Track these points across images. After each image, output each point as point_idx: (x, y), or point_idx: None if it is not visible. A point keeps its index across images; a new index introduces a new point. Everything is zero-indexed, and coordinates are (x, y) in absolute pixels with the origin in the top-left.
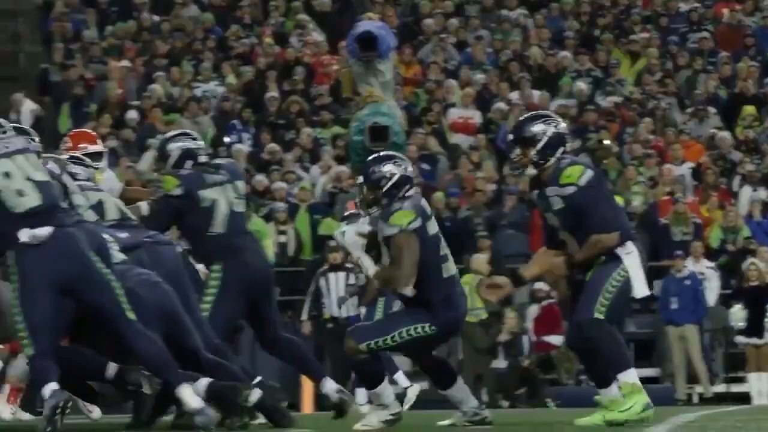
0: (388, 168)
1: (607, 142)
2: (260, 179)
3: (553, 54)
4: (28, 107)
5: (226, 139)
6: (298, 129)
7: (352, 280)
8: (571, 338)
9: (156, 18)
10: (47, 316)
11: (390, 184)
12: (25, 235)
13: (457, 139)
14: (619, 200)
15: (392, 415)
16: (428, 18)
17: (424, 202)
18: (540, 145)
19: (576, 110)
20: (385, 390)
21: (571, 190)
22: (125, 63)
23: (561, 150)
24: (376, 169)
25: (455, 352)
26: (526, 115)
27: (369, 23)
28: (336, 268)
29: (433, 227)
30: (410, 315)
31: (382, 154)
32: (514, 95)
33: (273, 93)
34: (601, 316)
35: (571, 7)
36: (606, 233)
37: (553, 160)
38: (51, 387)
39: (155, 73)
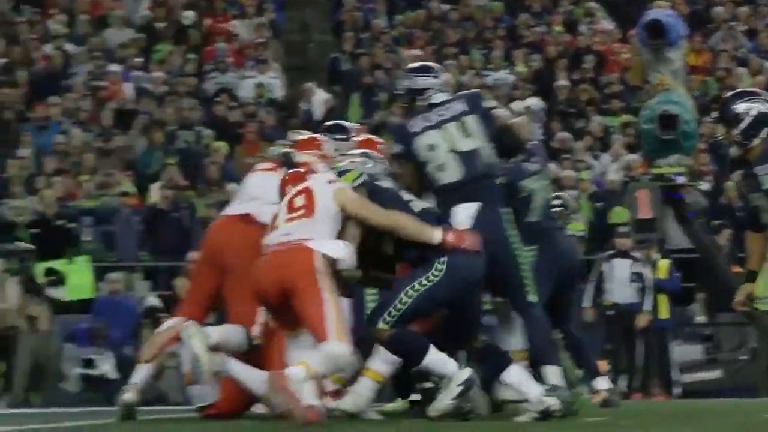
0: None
1: None
2: (551, 167)
3: None
4: (320, 97)
5: None
6: (588, 117)
7: (636, 268)
8: None
9: (445, 7)
10: None
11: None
12: None
13: None
14: None
15: (461, 384)
16: (718, 6)
17: None
18: (744, 125)
19: None
20: (437, 360)
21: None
22: (416, 51)
23: (766, 130)
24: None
25: (747, 341)
26: (731, 93)
27: (658, 11)
28: (622, 254)
29: None
30: (409, 275)
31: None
32: None
33: (562, 81)
34: None
35: None
36: None
37: (757, 140)
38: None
39: (445, 61)
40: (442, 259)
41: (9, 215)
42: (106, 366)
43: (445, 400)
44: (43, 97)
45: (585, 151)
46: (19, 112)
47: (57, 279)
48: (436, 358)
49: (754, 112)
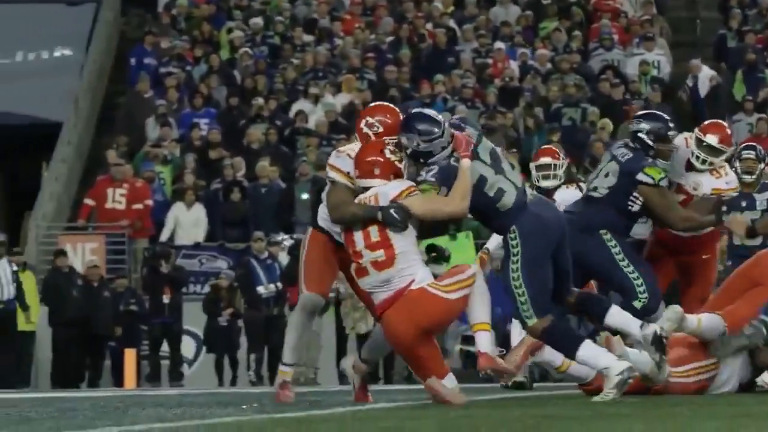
0: None
1: None
2: None
3: None
4: (705, 74)
5: None
6: None
7: None
8: None
9: None
10: None
11: None
12: None
13: None
14: None
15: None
16: None
17: None
18: None
19: None
20: (592, 354)
21: None
22: None
23: None
24: None
25: None
26: None
27: None
28: None
29: None
30: (503, 268)
31: None
32: None
33: None
34: None
35: None
36: None
37: None
38: None
39: None
40: (512, 228)
41: None
42: None
43: (606, 393)
44: (428, 74)
45: None
46: (405, 89)
47: (439, 256)
48: (590, 352)
49: None
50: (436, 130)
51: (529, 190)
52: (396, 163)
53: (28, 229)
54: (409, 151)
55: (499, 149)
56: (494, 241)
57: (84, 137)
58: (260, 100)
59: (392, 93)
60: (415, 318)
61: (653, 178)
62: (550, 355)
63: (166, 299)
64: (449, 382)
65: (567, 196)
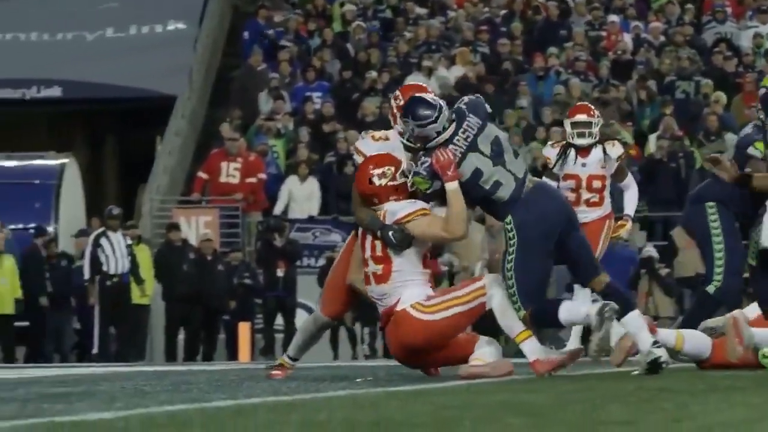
0: None
1: None
2: None
3: None
4: None
5: None
6: None
7: None
8: None
9: None
10: None
11: None
12: None
13: None
14: None
15: (598, 314)
16: None
17: None
18: None
19: None
20: (570, 310)
21: None
22: None
23: None
24: None
25: None
26: None
27: None
28: None
29: None
30: (502, 257)
31: None
32: None
33: None
34: None
35: None
36: None
37: None
38: None
39: None
40: (507, 219)
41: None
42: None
43: (594, 337)
44: (542, 47)
45: None
46: (518, 62)
47: None
48: (568, 309)
49: None
50: (428, 114)
51: (530, 177)
52: (388, 184)
53: (142, 203)
54: (406, 138)
55: (505, 136)
56: None
57: (198, 110)
58: (373, 74)
59: (505, 66)
60: (399, 339)
61: (761, 152)
62: (664, 336)
63: (280, 273)
64: (488, 354)
65: (601, 155)
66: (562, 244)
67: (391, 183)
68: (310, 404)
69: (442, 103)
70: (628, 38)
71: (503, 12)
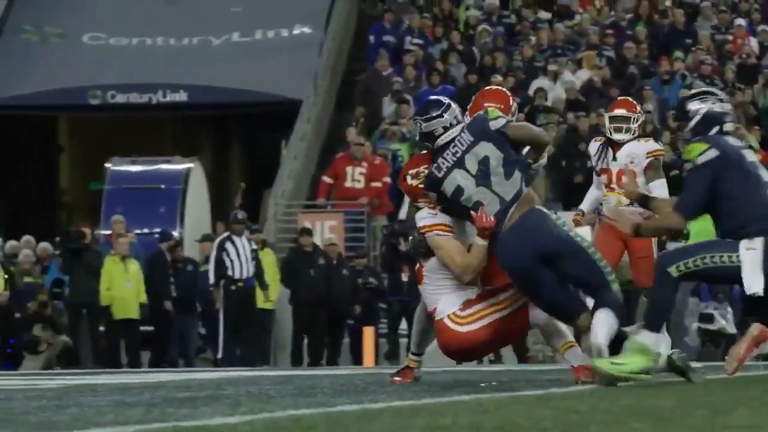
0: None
1: None
2: None
3: None
4: None
5: None
6: None
7: None
8: None
9: None
10: None
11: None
12: None
13: None
14: None
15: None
16: None
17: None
18: (692, 123)
19: None
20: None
21: (688, 166)
22: None
23: (716, 129)
24: None
25: None
26: (690, 92)
27: None
28: None
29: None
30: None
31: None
32: None
33: None
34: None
35: None
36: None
37: None
38: None
39: None
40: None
41: None
42: (723, 321)
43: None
44: (666, 51)
45: None
46: (644, 66)
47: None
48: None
49: (704, 111)
50: (434, 111)
51: (524, 199)
52: (419, 186)
53: (267, 207)
54: (417, 136)
55: (499, 156)
56: (588, 202)
57: (323, 115)
58: (499, 78)
59: (631, 70)
60: (443, 347)
61: None
62: None
63: (404, 277)
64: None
65: (635, 150)
66: (553, 266)
67: (421, 185)
68: (434, 408)
69: (453, 103)
70: (754, 42)
71: (629, 16)
